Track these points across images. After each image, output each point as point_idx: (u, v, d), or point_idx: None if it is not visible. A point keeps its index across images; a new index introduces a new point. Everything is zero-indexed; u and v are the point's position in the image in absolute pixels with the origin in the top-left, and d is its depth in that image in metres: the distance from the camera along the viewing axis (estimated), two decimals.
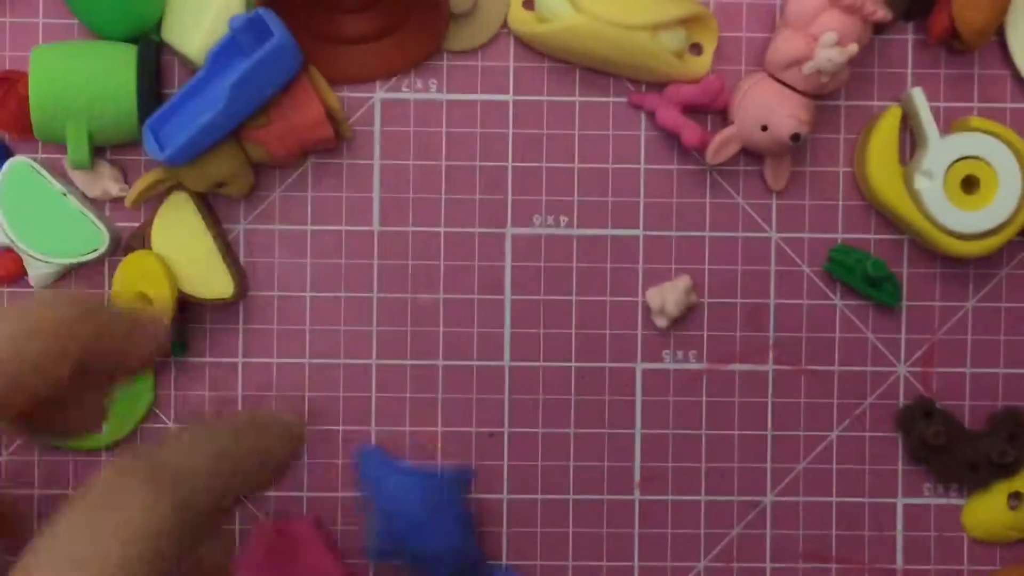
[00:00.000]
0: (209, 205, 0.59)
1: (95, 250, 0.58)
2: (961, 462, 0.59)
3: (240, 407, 0.59)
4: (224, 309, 0.59)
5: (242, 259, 0.59)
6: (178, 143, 0.54)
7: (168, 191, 0.58)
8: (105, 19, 0.56)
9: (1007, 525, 0.59)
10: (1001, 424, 0.59)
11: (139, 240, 0.58)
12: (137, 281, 0.57)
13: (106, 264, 0.59)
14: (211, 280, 0.58)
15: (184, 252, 0.58)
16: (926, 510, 0.60)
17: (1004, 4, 0.57)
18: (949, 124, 0.59)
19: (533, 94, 0.59)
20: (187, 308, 0.59)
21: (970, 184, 0.58)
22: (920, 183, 0.57)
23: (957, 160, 0.57)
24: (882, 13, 0.55)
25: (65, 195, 0.57)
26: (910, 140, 0.59)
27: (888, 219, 0.59)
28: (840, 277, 0.59)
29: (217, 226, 0.58)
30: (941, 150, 0.57)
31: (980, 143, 0.57)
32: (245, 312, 0.59)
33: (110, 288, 0.59)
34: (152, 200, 0.58)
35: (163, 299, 0.57)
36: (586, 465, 0.60)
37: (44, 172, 0.57)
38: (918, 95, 0.57)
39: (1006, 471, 0.59)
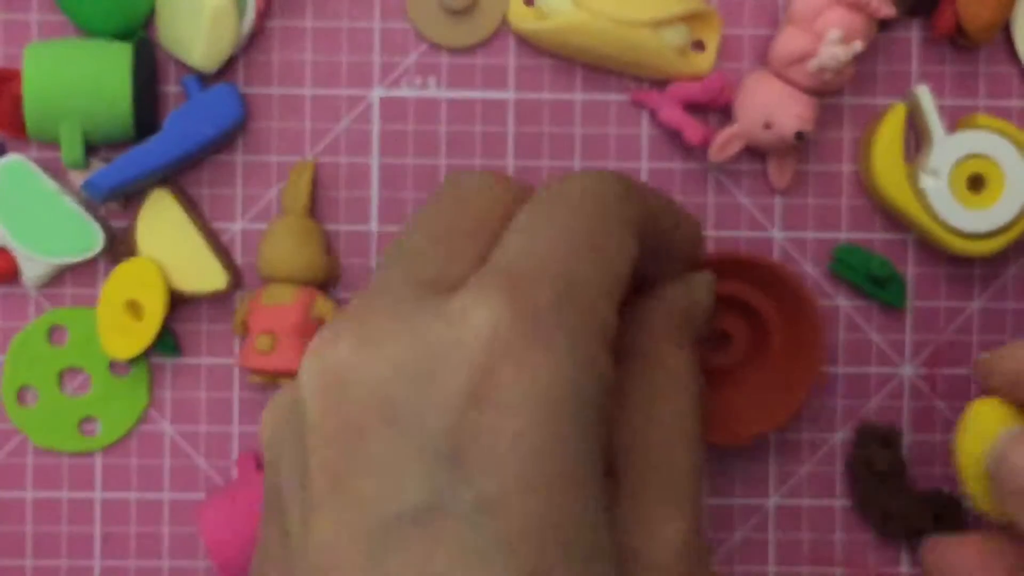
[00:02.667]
0: (191, 199, 0.58)
1: (90, 249, 0.57)
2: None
3: (237, 409, 0.59)
4: (219, 308, 0.59)
5: (239, 259, 0.59)
6: (108, 182, 0.55)
7: (147, 190, 0.58)
8: (93, 16, 0.56)
9: None
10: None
11: (125, 243, 0.58)
12: (129, 288, 0.56)
13: (101, 264, 0.59)
14: (203, 273, 0.57)
15: (173, 249, 0.57)
16: None
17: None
18: (955, 122, 0.59)
19: (533, 91, 0.59)
20: (181, 306, 0.59)
21: (976, 182, 0.57)
22: (925, 181, 0.57)
23: (963, 158, 0.57)
24: (887, 9, 0.55)
25: (60, 195, 0.56)
26: (915, 138, 0.59)
27: (893, 218, 0.59)
28: (845, 276, 0.58)
29: (202, 219, 0.58)
30: (947, 148, 0.57)
31: (986, 141, 0.57)
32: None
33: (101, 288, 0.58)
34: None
35: (156, 306, 0.56)
36: None
37: (39, 171, 0.56)
38: (923, 93, 0.57)
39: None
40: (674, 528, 0.38)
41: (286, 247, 0.56)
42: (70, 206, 0.57)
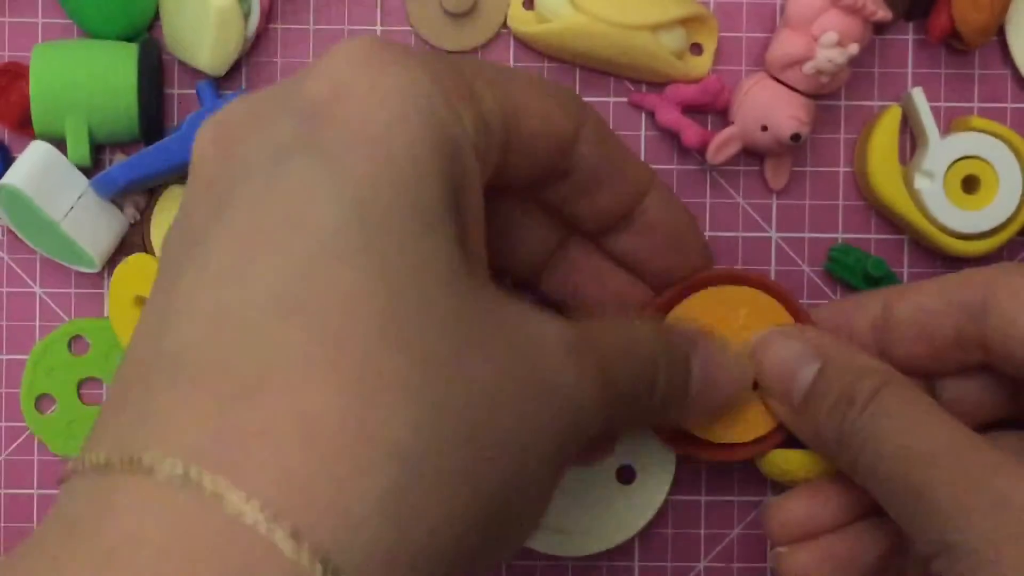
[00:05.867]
0: None
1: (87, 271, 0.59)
2: None
3: None
4: None
5: None
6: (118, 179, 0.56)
7: (164, 186, 0.58)
8: (97, 20, 0.56)
9: None
10: None
11: (138, 236, 0.58)
12: (136, 284, 0.57)
13: (105, 268, 0.59)
14: None
15: None
16: None
17: (1004, 3, 0.57)
18: (949, 124, 0.59)
19: None
20: None
21: (971, 184, 0.57)
22: (920, 183, 0.57)
23: (957, 160, 0.57)
24: (883, 13, 0.55)
25: (55, 223, 0.56)
26: (910, 140, 0.59)
27: (888, 219, 0.59)
28: (840, 276, 0.59)
29: None
30: (941, 150, 0.57)
31: (980, 143, 0.57)
32: None
33: (108, 291, 0.59)
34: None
35: None
36: None
37: (33, 200, 0.55)
38: (918, 95, 0.57)
39: None
40: None
41: None
42: (64, 232, 0.56)
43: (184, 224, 0.38)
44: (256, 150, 0.37)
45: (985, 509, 0.42)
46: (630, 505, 0.58)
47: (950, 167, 0.57)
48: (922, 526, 0.44)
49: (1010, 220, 0.57)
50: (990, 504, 0.42)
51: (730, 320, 0.54)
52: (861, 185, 0.59)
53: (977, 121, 0.58)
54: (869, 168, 0.57)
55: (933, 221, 0.57)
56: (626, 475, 0.58)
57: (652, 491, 0.58)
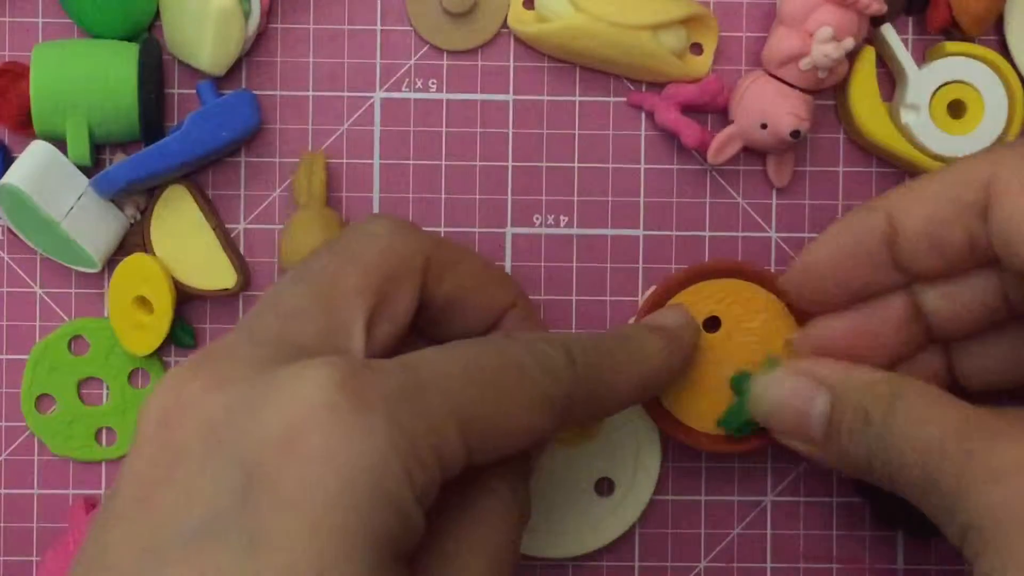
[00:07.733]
0: (207, 197, 0.59)
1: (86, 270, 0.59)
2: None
3: None
4: (225, 308, 0.59)
5: None
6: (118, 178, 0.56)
7: (164, 186, 0.58)
8: (98, 20, 0.57)
9: None
10: None
11: (138, 235, 0.58)
12: (135, 284, 0.57)
13: (105, 268, 0.59)
14: (213, 272, 0.58)
15: (184, 245, 0.58)
16: None
17: None
18: (924, 55, 0.59)
19: (533, 94, 0.59)
20: (186, 304, 0.59)
21: (957, 108, 0.57)
22: (907, 117, 0.57)
23: (939, 88, 0.57)
24: (877, 6, 0.55)
25: (55, 222, 0.56)
26: (888, 78, 0.59)
27: (883, 159, 0.59)
28: None
29: (216, 217, 0.58)
30: (921, 80, 0.57)
31: (958, 67, 0.57)
32: (246, 312, 0.59)
33: (107, 291, 0.59)
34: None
35: (164, 299, 0.57)
36: None
37: (33, 199, 0.56)
38: (888, 31, 0.57)
39: None
40: None
41: (314, 238, 0.56)
42: (64, 232, 0.57)
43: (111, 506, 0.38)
44: (193, 475, 0.36)
45: (983, 482, 0.42)
46: (608, 515, 0.58)
47: (933, 96, 0.57)
48: (944, 519, 0.44)
49: (1002, 136, 0.57)
50: (988, 476, 0.42)
51: (743, 319, 0.54)
52: (851, 134, 0.59)
53: (951, 46, 0.57)
54: (855, 113, 0.57)
55: (927, 152, 0.57)
56: (605, 487, 0.59)
57: (630, 503, 0.58)
